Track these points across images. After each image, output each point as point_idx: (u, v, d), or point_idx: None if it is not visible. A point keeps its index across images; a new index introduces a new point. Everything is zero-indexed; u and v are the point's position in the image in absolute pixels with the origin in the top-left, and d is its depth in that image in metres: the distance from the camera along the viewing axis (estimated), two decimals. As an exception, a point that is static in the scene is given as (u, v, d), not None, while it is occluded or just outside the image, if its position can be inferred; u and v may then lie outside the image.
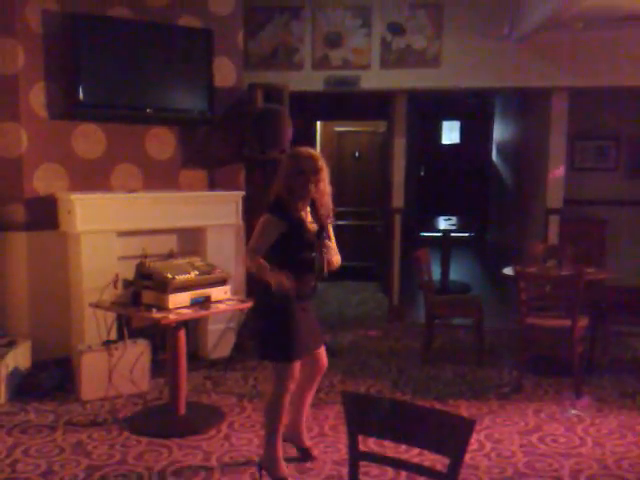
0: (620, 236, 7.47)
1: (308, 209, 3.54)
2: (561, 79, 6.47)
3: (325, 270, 3.44)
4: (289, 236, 3.43)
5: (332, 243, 3.54)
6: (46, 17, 4.98)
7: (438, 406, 4.52)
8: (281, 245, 3.44)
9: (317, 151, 3.62)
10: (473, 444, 3.92)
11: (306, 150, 3.53)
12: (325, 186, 3.47)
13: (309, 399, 3.82)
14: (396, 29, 6.48)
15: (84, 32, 5.01)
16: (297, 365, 3.52)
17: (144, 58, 5.30)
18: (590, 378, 5.07)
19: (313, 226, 3.51)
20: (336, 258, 3.52)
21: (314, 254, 3.44)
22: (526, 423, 4.31)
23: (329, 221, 3.55)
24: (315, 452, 3.85)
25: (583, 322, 4.90)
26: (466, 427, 2.05)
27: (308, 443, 3.88)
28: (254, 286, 3.67)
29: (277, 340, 3.47)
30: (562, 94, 6.76)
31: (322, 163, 3.45)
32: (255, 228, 3.49)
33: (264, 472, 3.57)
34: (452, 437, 2.06)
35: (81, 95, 5.01)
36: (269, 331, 3.52)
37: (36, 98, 5.01)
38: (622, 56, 6.28)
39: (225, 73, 5.79)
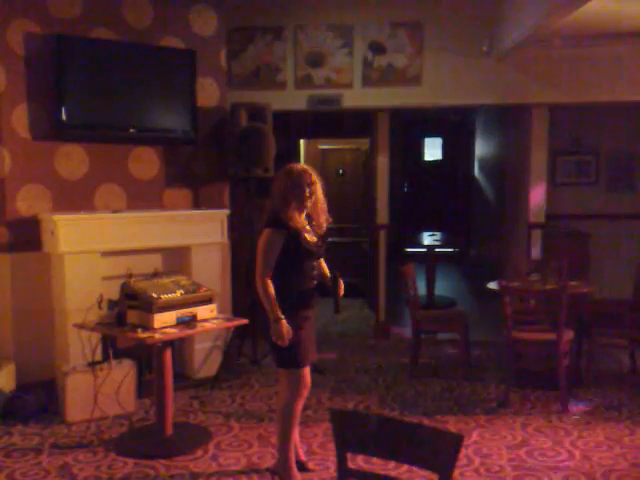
0: (603, 249, 7.55)
1: (305, 221, 3.68)
2: (541, 95, 6.56)
3: (340, 296, 3.73)
4: (288, 246, 3.57)
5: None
6: (28, 39, 4.98)
7: (426, 422, 4.52)
8: (282, 256, 3.58)
9: (309, 166, 3.79)
10: (462, 459, 3.91)
11: (299, 165, 3.75)
12: (318, 198, 3.66)
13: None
14: (377, 48, 6.55)
15: (66, 53, 5.01)
16: (307, 370, 3.68)
17: (127, 79, 5.31)
18: (576, 391, 5.09)
19: (312, 237, 3.66)
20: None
21: (314, 263, 3.67)
22: (514, 437, 4.32)
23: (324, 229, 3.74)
24: (310, 465, 3.89)
25: (568, 335, 4.93)
26: (454, 442, 2.06)
27: (304, 457, 3.92)
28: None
29: (286, 349, 3.58)
30: (542, 110, 6.85)
31: (315, 176, 3.66)
32: (258, 247, 3.61)
33: (277, 478, 3.67)
34: (441, 453, 2.07)
35: (64, 116, 5.00)
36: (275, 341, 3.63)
37: (19, 119, 4.99)
38: (601, 72, 6.38)
39: (208, 93, 5.82)
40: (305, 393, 3.71)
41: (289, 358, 3.63)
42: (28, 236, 5.02)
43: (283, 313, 3.54)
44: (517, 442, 4.24)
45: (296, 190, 3.57)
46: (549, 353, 4.88)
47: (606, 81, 6.39)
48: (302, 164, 3.83)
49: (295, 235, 3.57)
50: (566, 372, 4.85)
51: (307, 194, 3.59)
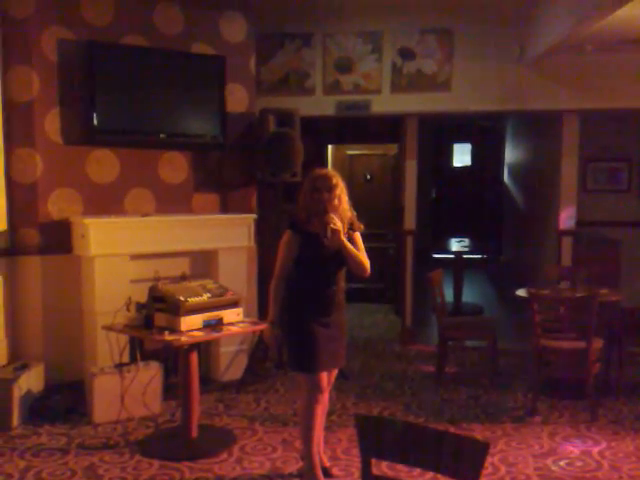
0: (634, 257, 7.42)
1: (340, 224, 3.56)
2: (572, 102, 6.48)
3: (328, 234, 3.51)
4: (305, 250, 3.61)
5: (361, 252, 3.71)
6: (61, 45, 5.07)
7: (452, 429, 4.48)
8: (298, 260, 3.62)
9: (332, 170, 3.78)
10: (487, 468, 3.87)
11: (321, 170, 3.74)
12: (340, 202, 3.61)
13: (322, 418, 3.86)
14: (406, 54, 6.54)
15: (98, 60, 5.10)
16: (322, 376, 3.65)
17: (157, 85, 5.38)
18: (606, 400, 5.01)
19: (332, 243, 3.57)
20: (366, 264, 3.68)
21: (334, 269, 3.66)
22: (541, 446, 4.27)
23: (350, 233, 3.69)
24: (335, 471, 3.88)
25: (597, 344, 4.86)
26: (480, 450, 2.04)
27: (327, 463, 3.92)
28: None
29: (297, 353, 3.66)
30: (573, 116, 6.77)
31: (336, 180, 3.61)
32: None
33: None
34: (466, 460, 2.05)
35: (95, 121, 5.08)
36: (289, 344, 3.70)
37: (51, 124, 5.08)
38: (632, 78, 6.29)
39: (237, 99, 5.86)
40: (320, 398, 3.67)
41: (300, 362, 3.66)
42: (59, 239, 5.10)
43: (297, 317, 3.60)
44: (544, 451, 4.19)
45: (315, 195, 3.58)
46: (578, 362, 4.81)
47: (638, 87, 6.30)
48: (325, 169, 3.85)
49: (311, 239, 3.57)
50: (595, 381, 4.78)
51: (325, 199, 3.55)
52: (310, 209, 3.59)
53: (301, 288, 3.64)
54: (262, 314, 5.81)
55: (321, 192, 3.56)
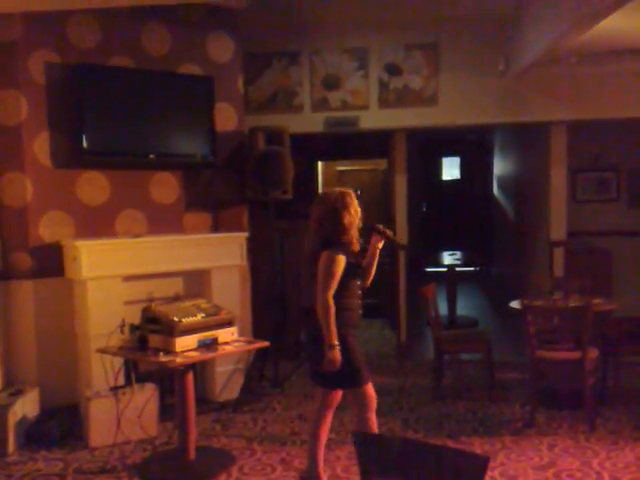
0: (626, 266, 7.46)
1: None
2: (559, 113, 6.55)
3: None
4: (347, 268, 3.66)
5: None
6: (48, 68, 5.08)
7: (451, 444, 4.47)
8: (341, 278, 3.66)
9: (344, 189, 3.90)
10: (487, 481, 3.86)
11: (342, 189, 3.86)
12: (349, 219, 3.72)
13: (324, 434, 3.92)
14: (393, 70, 6.59)
15: (86, 82, 5.10)
16: (370, 385, 3.75)
17: (146, 106, 5.39)
18: (603, 410, 5.01)
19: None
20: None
21: (359, 282, 3.79)
22: (540, 458, 4.25)
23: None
24: None
25: (593, 354, 4.86)
26: (480, 464, 2.03)
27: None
28: (307, 317, 3.89)
29: (348, 369, 3.66)
30: (561, 127, 6.84)
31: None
32: (320, 267, 3.65)
33: None
34: (466, 475, 2.04)
35: (85, 143, 5.07)
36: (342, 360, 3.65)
37: (40, 147, 5.07)
38: (618, 88, 6.36)
39: (226, 118, 5.87)
40: (374, 405, 3.77)
41: (353, 377, 3.69)
42: (51, 262, 5.08)
43: (341, 334, 3.63)
44: (544, 463, 4.17)
45: (350, 210, 3.69)
46: (574, 372, 4.81)
47: (623, 97, 6.37)
48: (335, 189, 3.94)
49: (351, 258, 3.69)
50: (592, 391, 4.78)
51: (358, 211, 3.74)
52: (352, 226, 3.68)
53: (338, 304, 3.64)
54: (257, 333, 5.81)
55: (354, 210, 3.73)
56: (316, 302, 3.64)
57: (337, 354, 3.58)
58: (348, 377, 3.69)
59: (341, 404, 3.87)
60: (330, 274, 3.60)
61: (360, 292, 3.81)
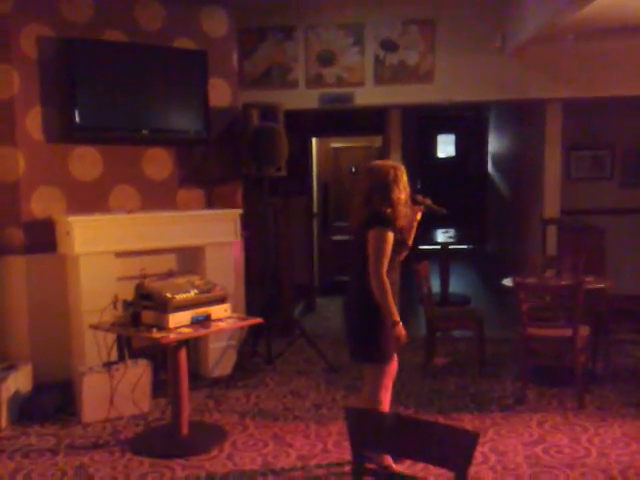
0: (618, 244, 7.48)
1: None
2: (555, 90, 6.52)
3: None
4: (394, 244, 3.59)
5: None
6: (41, 42, 5.02)
7: (441, 420, 4.51)
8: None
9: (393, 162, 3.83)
10: (477, 457, 3.90)
11: (391, 162, 3.80)
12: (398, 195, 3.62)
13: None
14: (389, 46, 6.54)
15: (79, 56, 5.05)
16: (393, 366, 3.74)
17: (139, 80, 5.34)
18: (593, 387, 5.06)
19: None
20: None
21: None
22: (530, 434, 4.30)
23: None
24: None
25: (584, 331, 4.90)
26: (470, 440, 2.06)
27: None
28: (348, 290, 3.82)
29: (384, 343, 3.62)
30: (556, 105, 6.81)
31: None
32: (371, 244, 3.55)
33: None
34: (456, 450, 2.06)
35: (77, 118, 5.03)
36: (374, 336, 3.63)
37: (32, 122, 5.03)
38: (615, 66, 6.33)
39: (220, 93, 5.83)
40: (391, 383, 3.75)
41: (379, 353, 3.64)
42: (43, 238, 5.06)
43: (378, 310, 3.55)
44: (533, 439, 4.22)
45: (400, 186, 3.59)
46: (565, 349, 4.85)
47: (620, 75, 6.34)
48: (380, 161, 3.85)
49: (397, 232, 3.61)
50: (582, 368, 4.82)
51: (406, 191, 3.63)
52: (400, 201, 3.58)
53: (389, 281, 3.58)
54: (250, 310, 5.83)
55: (404, 184, 3.63)
56: (364, 280, 3.56)
57: (401, 329, 3.55)
58: (387, 351, 3.64)
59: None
60: (382, 252, 3.52)
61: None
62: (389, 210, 3.57)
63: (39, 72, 5.03)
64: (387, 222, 3.55)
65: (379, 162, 3.81)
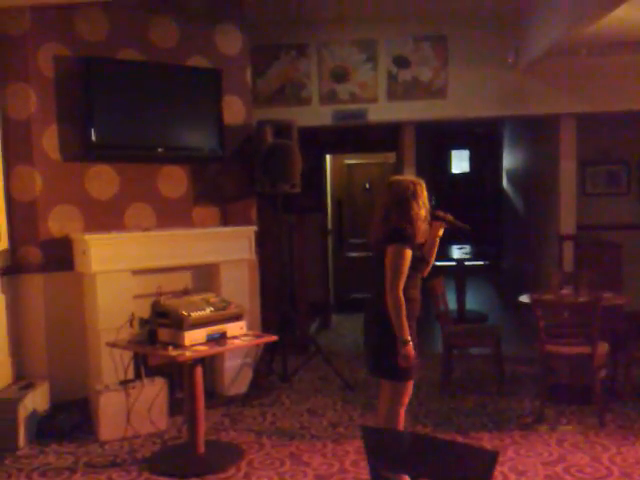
0: (635, 260, 7.42)
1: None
2: (568, 105, 6.50)
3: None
4: (413, 261, 3.55)
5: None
6: (58, 61, 5.07)
7: (460, 438, 4.46)
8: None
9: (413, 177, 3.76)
10: (497, 476, 3.84)
11: (410, 177, 3.73)
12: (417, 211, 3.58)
13: None
14: (402, 62, 6.56)
15: (95, 75, 5.10)
16: (411, 384, 3.67)
17: (154, 99, 5.38)
18: (613, 405, 4.98)
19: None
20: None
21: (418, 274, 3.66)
22: (550, 453, 4.24)
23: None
24: None
25: (603, 348, 4.84)
26: (489, 459, 2.02)
27: None
28: (368, 306, 3.75)
29: (392, 360, 3.53)
30: (570, 120, 6.79)
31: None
32: (389, 261, 3.51)
33: None
34: (475, 470, 2.03)
35: (93, 137, 5.07)
36: (393, 354, 3.54)
37: (49, 141, 5.08)
38: (628, 80, 6.31)
39: (234, 111, 5.86)
40: (407, 401, 3.69)
41: (400, 371, 3.56)
42: (60, 256, 5.08)
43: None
44: (553, 458, 4.16)
45: (419, 201, 3.55)
46: (584, 367, 4.79)
47: (634, 90, 6.32)
48: (408, 176, 3.83)
49: (415, 250, 3.57)
50: (602, 386, 4.76)
51: (426, 208, 3.58)
52: (419, 218, 3.54)
53: (405, 296, 3.52)
54: (265, 327, 5.81)
55: (423, 200, 3.58)
56: (384, 296, 3.51)
57: (411, 349, 3.49)
58: (393, 368, 3.57)
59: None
60: (399, 269, 3.47)
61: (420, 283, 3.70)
62: (408, 226, 3.53)
63: (55, 91, 5.09)
64: (405, 238, 3.51)
65: (399, 177, 3.79)
